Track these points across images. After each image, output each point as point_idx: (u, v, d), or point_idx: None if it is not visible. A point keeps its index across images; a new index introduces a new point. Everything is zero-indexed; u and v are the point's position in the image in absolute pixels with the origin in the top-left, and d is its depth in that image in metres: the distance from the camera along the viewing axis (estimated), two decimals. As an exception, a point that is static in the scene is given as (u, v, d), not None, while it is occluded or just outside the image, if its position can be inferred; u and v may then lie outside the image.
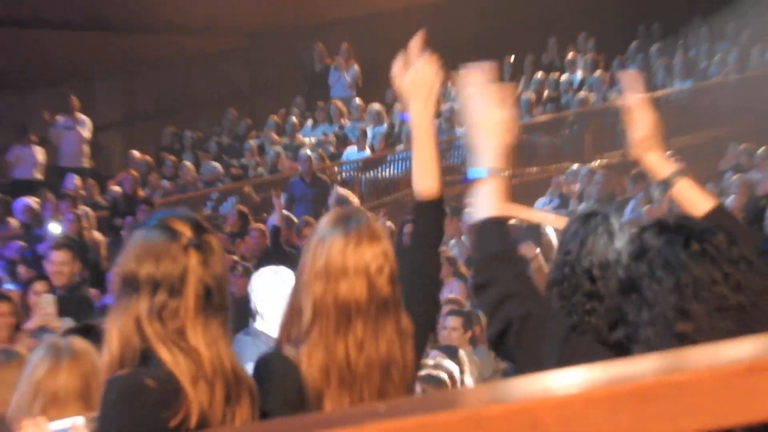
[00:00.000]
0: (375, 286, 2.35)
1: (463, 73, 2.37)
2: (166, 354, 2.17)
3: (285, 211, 10.29)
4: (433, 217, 2.70)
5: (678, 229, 2.00)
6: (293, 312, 2.42)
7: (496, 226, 2.26)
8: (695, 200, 2.68)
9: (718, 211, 2.66)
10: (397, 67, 2.62)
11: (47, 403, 2.69)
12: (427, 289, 2.64)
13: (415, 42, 2.61)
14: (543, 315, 2.22)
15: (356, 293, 2.34)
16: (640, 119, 2.68)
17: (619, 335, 2.02)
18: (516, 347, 2.15)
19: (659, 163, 2.69)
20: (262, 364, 2.41)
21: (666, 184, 2.70)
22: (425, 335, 2.62)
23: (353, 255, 2.36)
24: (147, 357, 2.19)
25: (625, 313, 2.01)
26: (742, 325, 1.88)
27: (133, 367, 2.21)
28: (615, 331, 2.05)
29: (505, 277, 2.23)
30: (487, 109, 2.33)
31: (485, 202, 2.26)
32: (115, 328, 2.23)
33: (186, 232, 2.26)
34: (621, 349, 1.99)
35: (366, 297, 2.34)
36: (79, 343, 2.85)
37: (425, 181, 2.63)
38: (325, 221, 2.45)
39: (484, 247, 2.27)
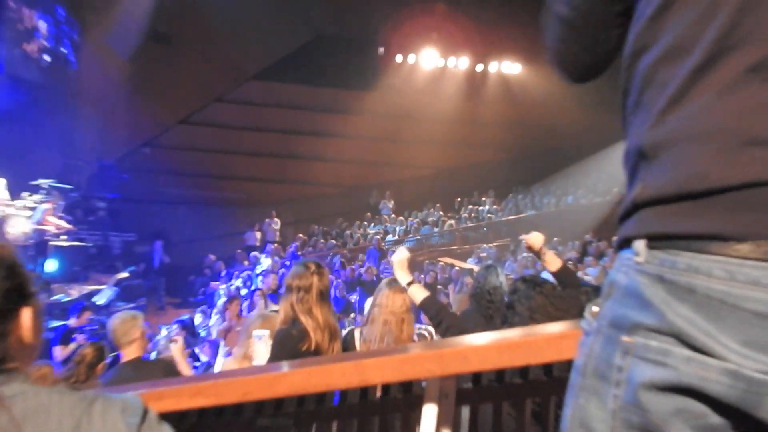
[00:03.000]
0: (396, 312, 3.62)
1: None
2: (303, 318, 3.25)
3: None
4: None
5: (531, 281, 2.82)
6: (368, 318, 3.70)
7: (430, 299, 3.52)
8: (551, 260, 3.72)
9: (564, 267, 3.68)
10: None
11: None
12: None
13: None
14: (456, 325, 3.42)
15: (384, 316, 3.58)
16: (535, 242, 3.82)
17: (504, 326, 2.88)
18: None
19: (541, 251, 3.75)
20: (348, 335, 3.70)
21: (541, 254, 3.81)
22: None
23: (391, 299, 3.65)
24: (295, 320, 3.25)
25: (507, 316, 2.87)
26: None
27: (288, 325, 3.29)
28: (503, 324, 2.91)
29: (441, 315, 3.46)
30: (396, 259, 3.66)
31: (418, 293, 3.57)
32: (282, 308, 3.36)
33: (312, 267, 3.42)
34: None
35: (392, 316, 3.60)
36: (271, 314, 4.14)
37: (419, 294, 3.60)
38: (384, 282, 3.72)
39: (430, 307, 3.52)
